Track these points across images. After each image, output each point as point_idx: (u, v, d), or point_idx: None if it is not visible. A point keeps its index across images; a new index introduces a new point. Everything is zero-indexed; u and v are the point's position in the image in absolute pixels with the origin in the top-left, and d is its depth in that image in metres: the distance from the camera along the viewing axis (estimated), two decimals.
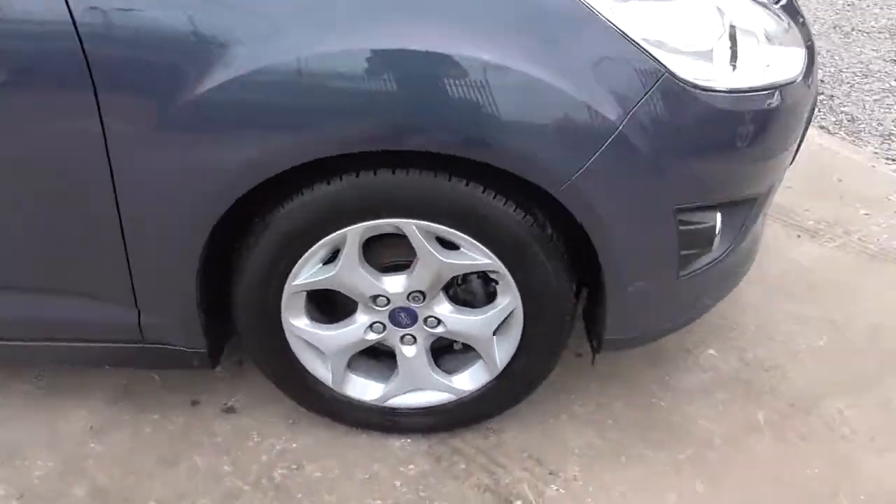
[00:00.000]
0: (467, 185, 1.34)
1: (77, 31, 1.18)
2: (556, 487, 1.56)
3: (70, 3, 1.18)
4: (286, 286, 1.45)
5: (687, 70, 1.32)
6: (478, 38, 1.23)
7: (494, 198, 1.35)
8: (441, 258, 1.41)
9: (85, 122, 1.24)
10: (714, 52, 1.36)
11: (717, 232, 1.52)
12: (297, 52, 1.19)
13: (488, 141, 1.28)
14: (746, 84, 1.39)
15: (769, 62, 1.44)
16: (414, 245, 1.40)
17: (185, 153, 1.27)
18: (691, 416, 1.73)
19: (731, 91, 1.36)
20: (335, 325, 1.53)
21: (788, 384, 1.81)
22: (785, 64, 1.47)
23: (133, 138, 1.26)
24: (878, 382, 1.83)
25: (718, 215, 1.51)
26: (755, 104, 1.40)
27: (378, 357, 1.64)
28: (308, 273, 1.44)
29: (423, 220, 1.37)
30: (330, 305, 1.58)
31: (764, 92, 1.40)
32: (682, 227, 1.45)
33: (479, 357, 1.59)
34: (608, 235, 1.39)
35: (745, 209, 1.57)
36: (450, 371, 1.62)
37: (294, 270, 1.43)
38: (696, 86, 1.32)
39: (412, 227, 1.38)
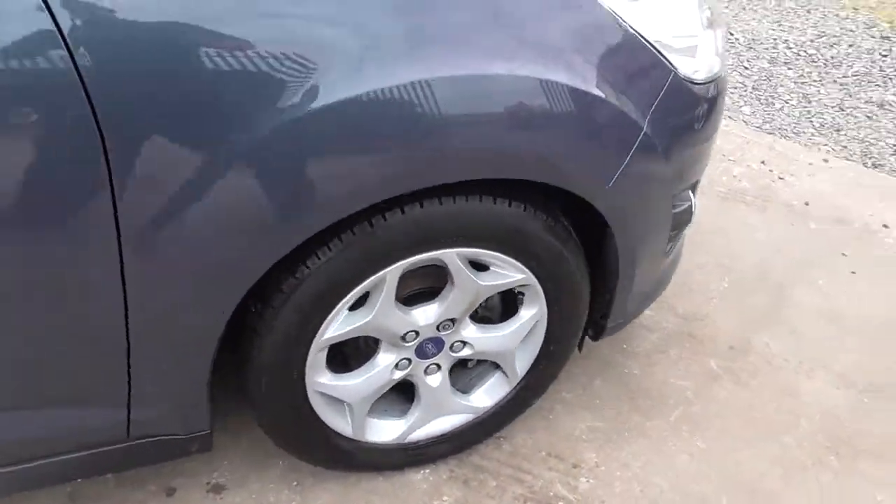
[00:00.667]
0: (510, 205, 1.28)
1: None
2: (585, 479, 1.59)
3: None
4: (314, 342, 1.28)
5: (683, 66, 1.37)
6: (528, 58, 1.16)
7: (535, 214, 1.31)
8: (479, 282, 1.34)
9: (88, 174, 0.96)
10: (697, 47, 1.42)
11: (693, 209, 1.63)
12: (376, 85, 1.03)
13: (549, 159, 1.23)
14: (713, 71, 1.47)
15: (716, 47, 1.55)
16: (453, 273, 1.31)
17: (220, 211, 1.04)
18: (661, 377, 1.86)
19: (705, 81, 1.44)
20: (359, 371, 1.39)
21: (720, 329, 2.02)
22: (720, 46, 1.59)
23: (149, 193, 1.00)
24: (781, 312, 2.11)
25: (691, 193, 1.61)
26: (715, 89, 1.49)
27: (385, 393, 1.52)
28: (337, 324, 1.28)
29: (466, 246, 1.29)
30: (337, 352, 1.43)
31: (719, 76, 1.51)
32: (673, 211, 1.53)
33: (493, 370, 1.55)
34: (628, 230, 1.42)
35: (696, 184, 1.70)
36: (464, 390, 1.55)
37: (324, 324, 1.27)
38: (690, 80, 1.38)
39: (453, 256, 1.29)
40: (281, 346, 1.26)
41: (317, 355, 1.31)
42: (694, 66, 1.40)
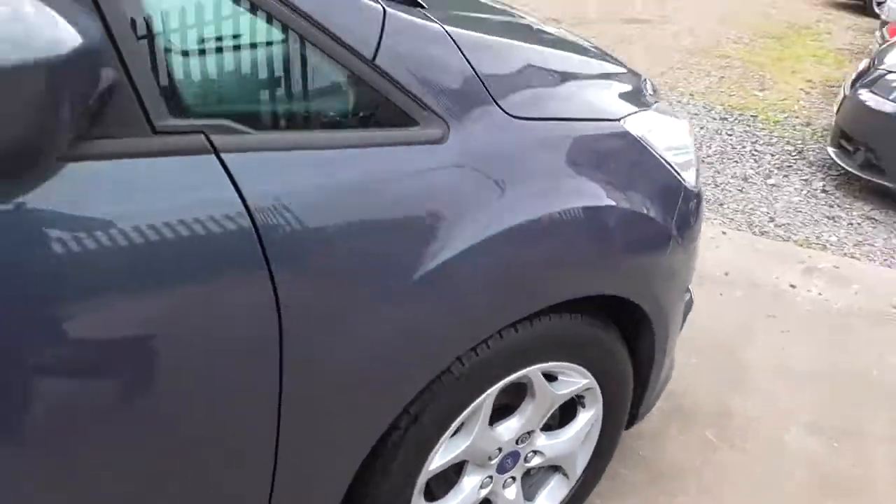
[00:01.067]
0: (581, 318, 1.40)
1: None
2: None
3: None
4: (422, 473, 1.31)
5: (686, 178, 1.58)
6: (607, 193, 1.33)
7: (593, 321, 1.44)
8: (555, 392, 1.44)
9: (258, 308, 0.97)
10: (690, 161, 1.64)
11: (692, 298, 1.83)
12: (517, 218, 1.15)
13: (624, 274, 1.37)
14: (696, 179, 1.70)
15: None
16: (535, 388, 1.40)
17: (373, 354, 1.10)
18: (671, 455, 2.01)
19: (695, 188, 1.66)
20: (450, 495, 1.42)
21: (702, 399, 2.22)
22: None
23: (310, 341, 1.03)
24: (743, 374, 2.35)
25: (690, 286, 1.82)
26: (699, 192, 1.72)
27: None
28: (441, 453, 1.32)
29: (548, 361, 1.39)
30: None
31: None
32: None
33: (553, 474, 1.63)
34: (664, 321, 1.58)
35: None
36: (527, 498, 1.61)
37: (431, 454, 1.30)
38: (690, 188, 1.60)
39: (537, 372, 1.38)
40: (395, 482, 1.28)
41: (420, 486, 1.34)
42: (689, 176, 1.62)
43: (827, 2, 10.55)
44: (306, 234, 0.99)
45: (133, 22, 0.85)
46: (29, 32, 0.65)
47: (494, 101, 1.18)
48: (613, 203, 1.32)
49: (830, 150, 4.14)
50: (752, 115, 5.18)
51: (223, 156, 0.91)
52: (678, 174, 1.54)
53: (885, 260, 3.30)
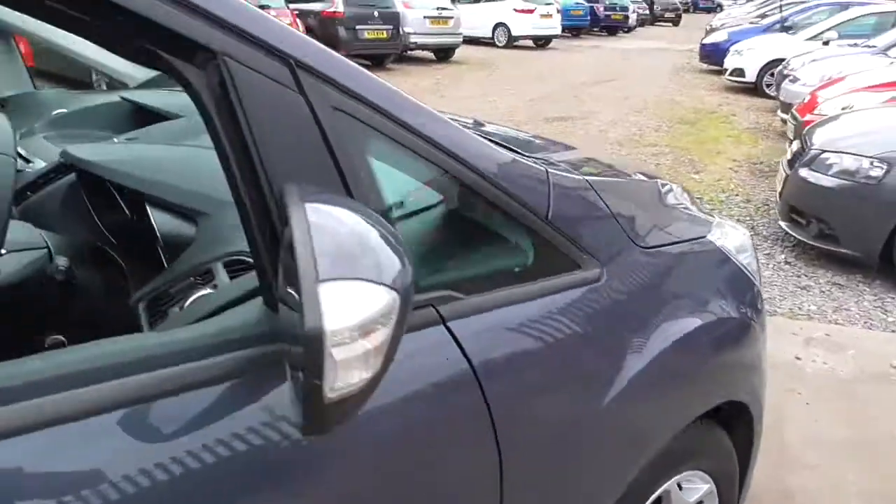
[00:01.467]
0: (702, 423, 1.48)
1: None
2: None
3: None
4: None
5: (755, 277, 1.72)
6: (721, 301, 1.44)
7: (714, 426, 1.52)
8: (687, 500, 1.49)
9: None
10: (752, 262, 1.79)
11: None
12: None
13: (742, 376, 1.47)
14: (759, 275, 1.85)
15: None
16: (673, 499, 1.45)
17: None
18: None
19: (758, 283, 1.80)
20: None
21: (764, 481, 2.23)
22: None
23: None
24: (787, 451, 2.45)
25: None
26: None
27: None
28: None
29: (684, 471, 1.45)
30: None
31: None
32: None
33: None
34: (760, 414, 1.67)
35: None
36: None
37: None
38: (757, 286, 1.73)
39: (674, 484, 1.44)
40: None
41: None
42: (755, 275, 1.75)
43: (722, 87, 11.48)
44: (511, 377, 1.07)
45: (377, 209, 0.92)
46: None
47: (628, 237, 1.28)
48: (729, 312, 1.44)
49: (783, 223, 4.45)
50: (698, 198, 5.51)
51: (449, 324, 0.98)
52: (750, 274, 1.66)
53: (865, 322, 3.54)
